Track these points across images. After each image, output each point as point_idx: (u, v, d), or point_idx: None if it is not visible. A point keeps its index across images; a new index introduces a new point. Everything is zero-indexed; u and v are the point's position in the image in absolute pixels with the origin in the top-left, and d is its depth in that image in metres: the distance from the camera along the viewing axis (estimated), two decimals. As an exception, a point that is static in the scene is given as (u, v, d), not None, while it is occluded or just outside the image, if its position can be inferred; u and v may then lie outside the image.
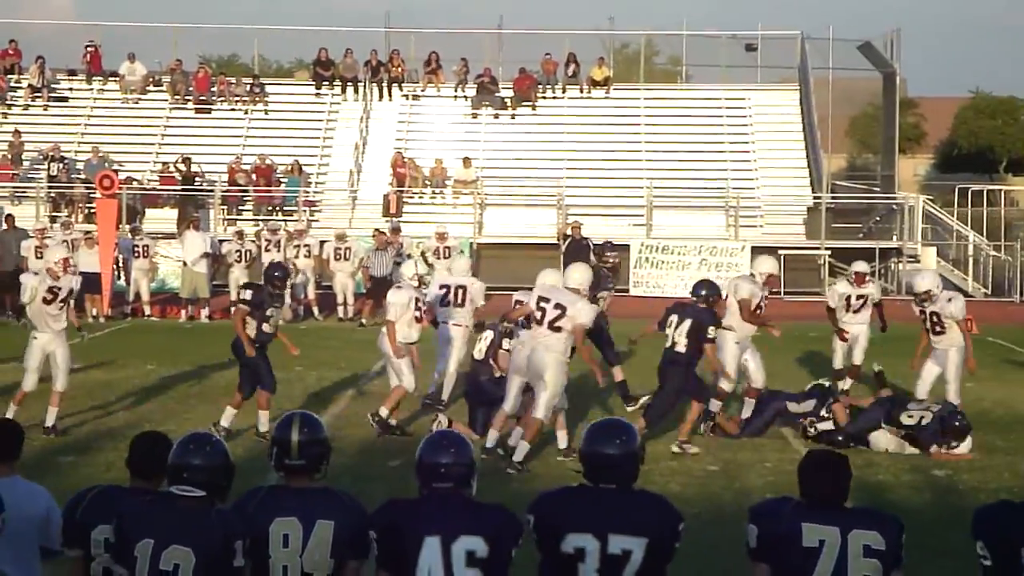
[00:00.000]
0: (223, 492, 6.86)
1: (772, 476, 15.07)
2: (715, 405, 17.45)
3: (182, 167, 40.69)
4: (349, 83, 45.60)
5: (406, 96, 45.82)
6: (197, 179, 40.80)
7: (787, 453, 16.29)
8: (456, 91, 45.81)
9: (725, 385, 17.45)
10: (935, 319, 17.99)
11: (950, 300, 18.09)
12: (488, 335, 17.24)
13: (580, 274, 15.91)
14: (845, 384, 20.40)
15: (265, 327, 16.86)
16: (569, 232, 34.55)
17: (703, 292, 16.72)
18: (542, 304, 15.48)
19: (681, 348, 16.31)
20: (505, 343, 16.76)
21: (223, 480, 6.85)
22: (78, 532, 7.17)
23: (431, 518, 6.66)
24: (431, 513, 6.69)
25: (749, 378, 17.76)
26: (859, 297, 20.66)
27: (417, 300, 17.56)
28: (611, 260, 34.32)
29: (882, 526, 6.83)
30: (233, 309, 17.69)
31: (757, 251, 33.53)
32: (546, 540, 6.79)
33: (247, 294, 17.04)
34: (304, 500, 6.92)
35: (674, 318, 16.51)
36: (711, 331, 16.22)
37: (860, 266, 21.19)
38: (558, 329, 15.33)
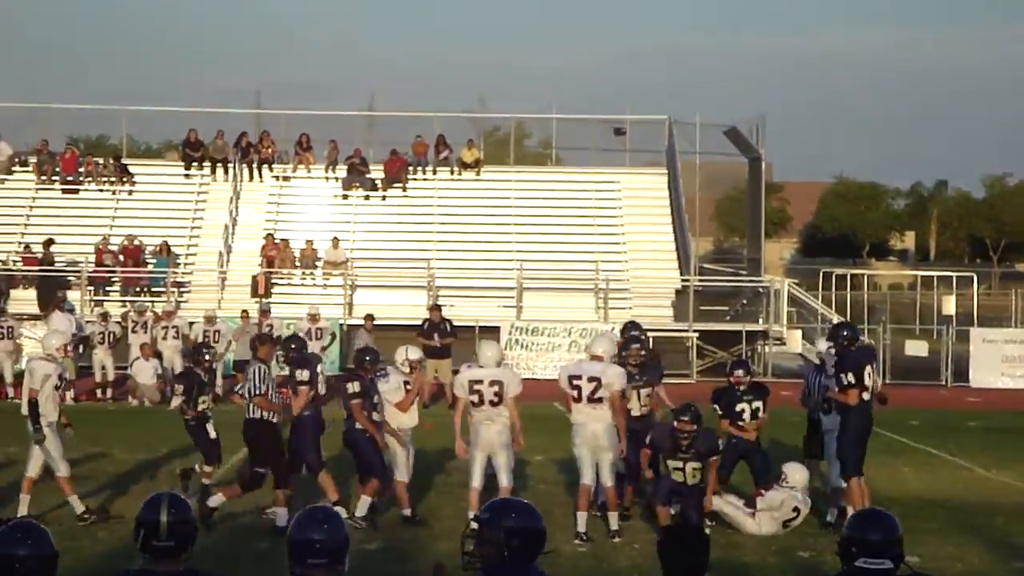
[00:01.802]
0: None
1: (640, 558, 15.07)
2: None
3: (41, 249, 40.24)
4: (219, 163, 45.41)
5: (276, 177, 45.71)
6: (58, 260, 40.41)
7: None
8: (327, 172, 45.79)
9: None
10: None
11: None
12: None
13: (606, 344, 16.65)
14: None
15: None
16: (428, 315, 33.98)
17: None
18: (575, 383, 16.05)
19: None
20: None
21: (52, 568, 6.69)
22: None
23: None
24: None
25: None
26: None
27: (405, 384, 17.29)
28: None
29: None
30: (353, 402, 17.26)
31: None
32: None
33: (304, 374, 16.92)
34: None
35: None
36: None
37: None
38: (600, 400, 15.91)
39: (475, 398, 15.88)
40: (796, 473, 17.17)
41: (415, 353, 17.78)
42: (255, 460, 16.51)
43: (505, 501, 7.12)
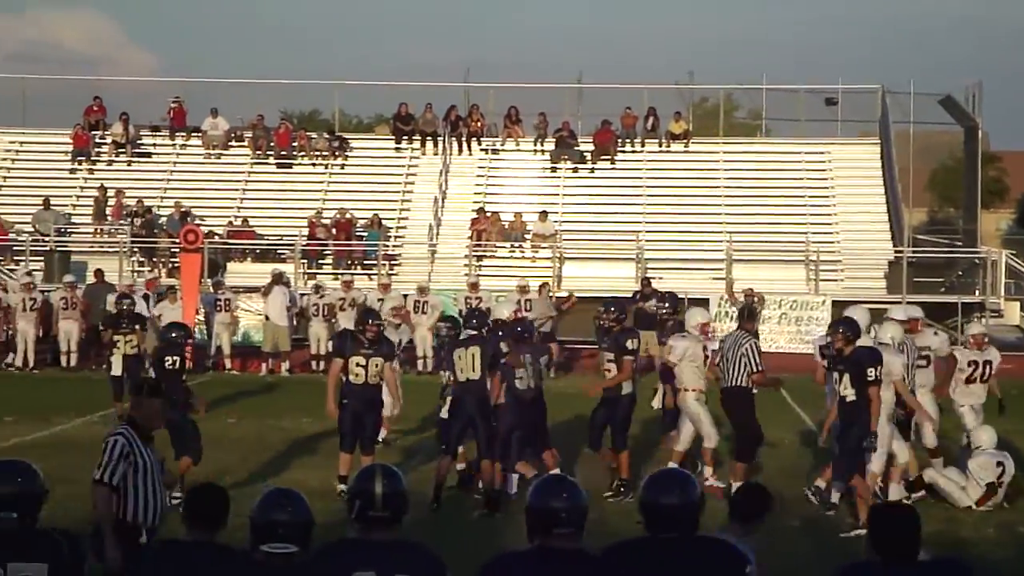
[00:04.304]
0: (308, 547, 6.87)
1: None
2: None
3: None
4: (428, 137, 45.79)
5: (485, 150, 45.96)
6: (272, 234, 41.31)
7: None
8: (535, 145, 45.91)
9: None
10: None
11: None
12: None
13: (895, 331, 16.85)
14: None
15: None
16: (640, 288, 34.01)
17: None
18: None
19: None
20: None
21: (309, 535, 6.86)
22: None
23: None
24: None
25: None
26: (972, 363, 18.51)
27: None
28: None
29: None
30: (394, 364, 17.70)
31: (838, 305, 33.36)
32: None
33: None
34: (383, 554, 6.79)
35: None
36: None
37: (977, 328, 19.50)
38: None
39: None
40: (983, 434, 16.97)
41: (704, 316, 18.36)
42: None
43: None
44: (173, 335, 17.46)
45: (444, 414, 16.92)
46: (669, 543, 6.79)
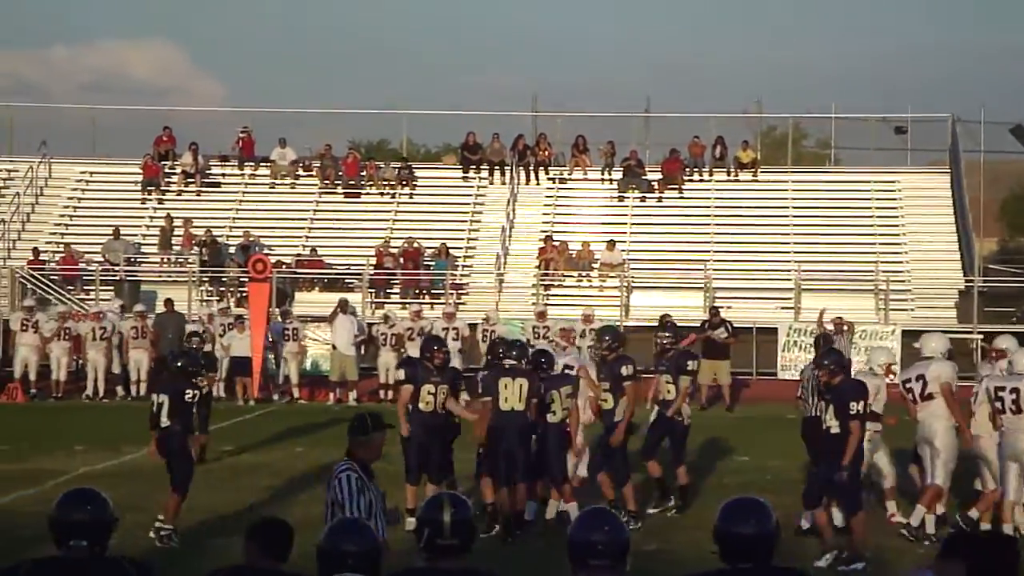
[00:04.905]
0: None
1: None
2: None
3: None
4: (496, 166, 45.85)
5: (552, 179, 45.98)
6: (339, 264, 41.46)
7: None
8: (603, 174, 45.90)
9: None
10: None
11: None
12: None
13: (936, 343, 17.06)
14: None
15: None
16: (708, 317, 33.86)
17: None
18: (908, 385, 16.67)
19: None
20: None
21: (378, 565, 6.83)
22: None
23: None
24: None
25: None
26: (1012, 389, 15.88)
27: None
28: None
29: None
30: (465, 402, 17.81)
31: (908, 334, 33.08)
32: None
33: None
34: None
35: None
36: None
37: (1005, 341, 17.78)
38: (931, 397, 16.31)
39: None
40: None
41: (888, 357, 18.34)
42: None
43: None
44: (180, 365, 17.45)
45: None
46: (742, 574, 6.71)
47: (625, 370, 17.42)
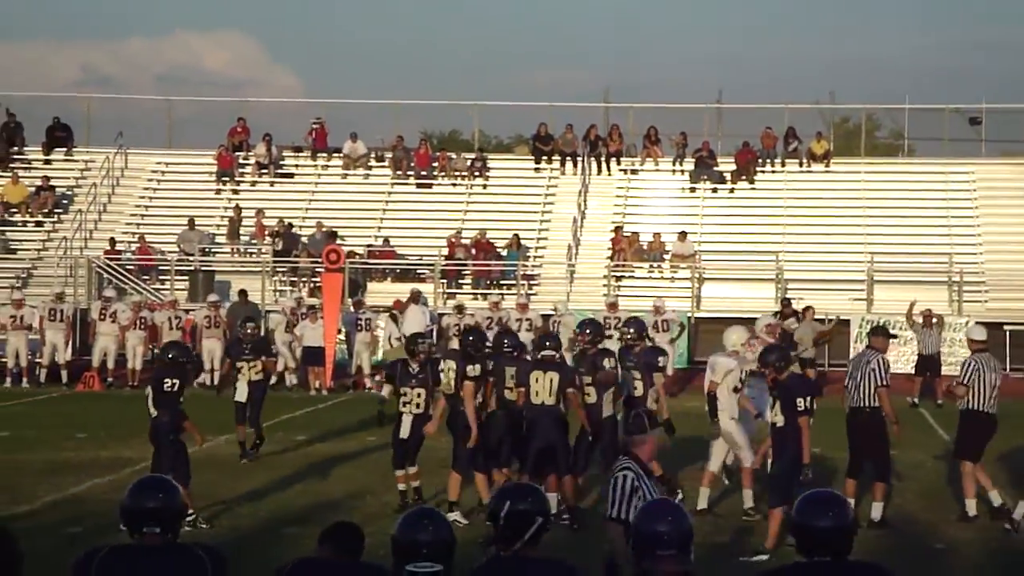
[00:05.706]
0: (450, 566, 6.93)
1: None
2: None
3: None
4: (568, 157, 45.87)
5: (624, 170, 45.95)
6: (411, 254, 41.63)
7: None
8: (674, 165, 45.83)
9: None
10: None
11: None
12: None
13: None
14: None
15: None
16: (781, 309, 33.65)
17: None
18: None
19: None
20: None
21: (451, 554, 6.91)
22: None
23: None
24: None
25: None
26: None
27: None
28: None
29: None
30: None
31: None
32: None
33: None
34: (522, 571, 6.91)
35: None
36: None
37: None
38: None
39: None
40: None
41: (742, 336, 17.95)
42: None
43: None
44: (171, 356, 16.98)
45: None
46: (820, 568, 6.75)
47: (607, 363, 17.26)
